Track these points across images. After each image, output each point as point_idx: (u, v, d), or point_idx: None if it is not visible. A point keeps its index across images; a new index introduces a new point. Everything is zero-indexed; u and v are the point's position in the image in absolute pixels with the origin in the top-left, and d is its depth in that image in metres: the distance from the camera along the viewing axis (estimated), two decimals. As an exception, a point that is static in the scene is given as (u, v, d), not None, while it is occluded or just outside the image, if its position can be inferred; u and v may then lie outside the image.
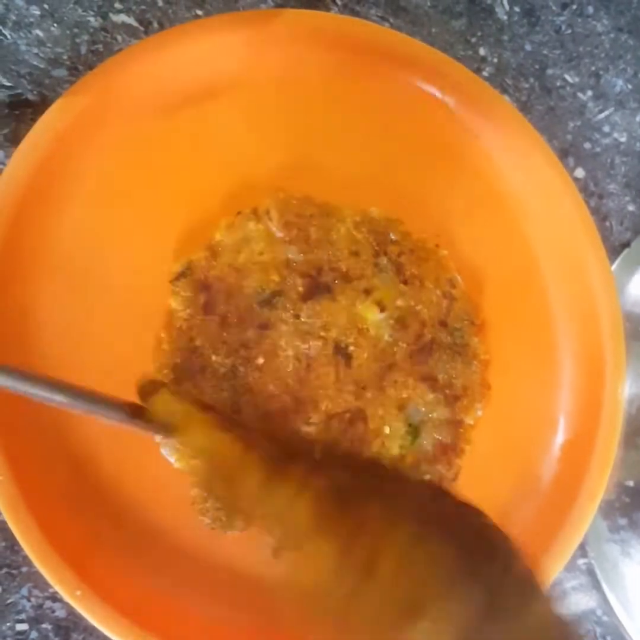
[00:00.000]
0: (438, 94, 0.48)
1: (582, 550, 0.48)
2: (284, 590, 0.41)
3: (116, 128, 0.44)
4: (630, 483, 0.49)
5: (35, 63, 0.47)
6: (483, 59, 0.53)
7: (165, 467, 0.41)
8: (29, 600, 0.41)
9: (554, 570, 0.42)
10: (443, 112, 0.48)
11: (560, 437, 0.46)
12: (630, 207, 0.54)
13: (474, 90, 0.47)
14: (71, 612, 0.41)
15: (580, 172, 0.53)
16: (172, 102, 0.46)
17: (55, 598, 0.41)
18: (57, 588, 0.37)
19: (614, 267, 0.51)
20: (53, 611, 0.41)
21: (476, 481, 0.45)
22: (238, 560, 0.41)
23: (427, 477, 0.44)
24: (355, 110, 0.48)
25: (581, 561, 0.48)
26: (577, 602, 0.48)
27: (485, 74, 0.53)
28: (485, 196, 0.48)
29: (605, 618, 0.48)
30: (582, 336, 0.47)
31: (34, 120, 0.42)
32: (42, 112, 0.42)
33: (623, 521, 0.48)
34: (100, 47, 0.48)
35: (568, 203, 0.47)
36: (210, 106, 0.46)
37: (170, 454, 0.41)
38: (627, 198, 0.54)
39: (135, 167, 0.44)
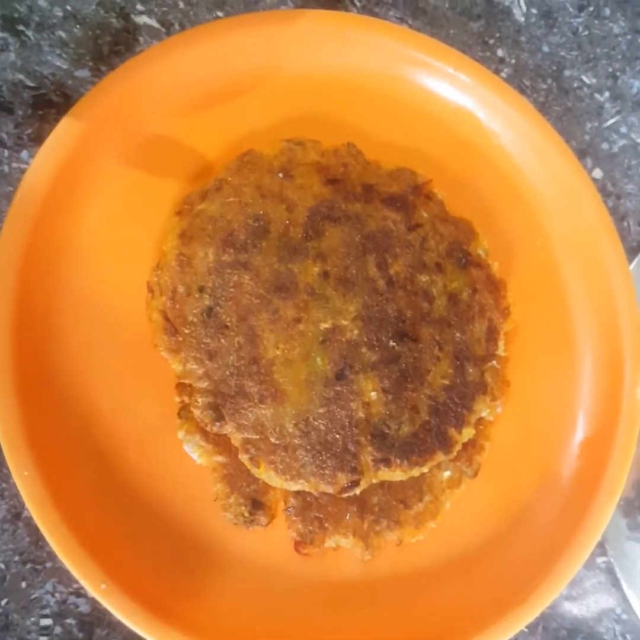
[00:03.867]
0: (458, 94, 0.48)
1: (602, 548, 0.48)
2: (305, 585, 0.42)
3: (138, 127, 0.45)
4: (649, 481, 0.49)
5: (58, 64, 0.47)
6: (501, 60, 0.53)
7: (188, 463, 0.41)
8: (53, 596, 0.41)
9: (574, 567, 0.42)
10: (463, 111, 0.48)
11: (579, 435, 0.46)
12: (648, 208, 0.54)
13: (494, 90, 0.47)
14: (95, 607, 0.41)
15: (598, 173, 0.54)
16: (193, 101, 0.46)
17: (79, 593, 0.41)
18: (82, 582, 0.37)
19: (631, 266, 0.51)
20: (77, 606, 0.41)
21: (496, 478, 0.45)
22: (260, 555, 0.41)
23: (447, 473, 0.44)
24: (373, 110, 0.48)
25: (600, 559, 0.48)
26: (596, 600, 0.48)
27: (503, 75, 0.53)
28: (505, 195, 0.49)
29: (624, 616, 0.48)
30: (600, 335, 0.47)
31: (57, 120, 0.42)
32: (65, 112, 0.43)
33: (642, 519, 0.48)
34: (122, 48, 0.49)
35: (587, 203, 0.48)
36: (232, 104, 0.47)
37: (193, 450, 0.41)
38: (645, 199, 0.54)
39: (156, 165, 0.45)
